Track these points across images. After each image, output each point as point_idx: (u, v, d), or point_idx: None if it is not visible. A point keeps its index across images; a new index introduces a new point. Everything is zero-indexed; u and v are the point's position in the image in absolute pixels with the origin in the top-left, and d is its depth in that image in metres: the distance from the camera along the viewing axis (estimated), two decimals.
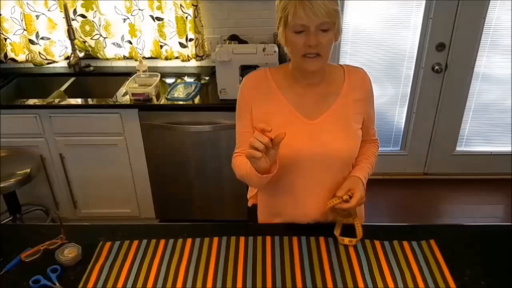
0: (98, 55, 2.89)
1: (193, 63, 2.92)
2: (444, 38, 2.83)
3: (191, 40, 2.77)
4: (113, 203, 2.77)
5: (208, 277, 1.23)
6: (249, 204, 1.58)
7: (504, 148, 3.18)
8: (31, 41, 2.79)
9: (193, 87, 2.63)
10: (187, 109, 2.47)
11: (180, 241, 1.36)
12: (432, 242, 1.34)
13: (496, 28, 2.78)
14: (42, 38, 2.81)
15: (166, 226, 1.47)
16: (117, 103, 2.48)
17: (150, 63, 2.87)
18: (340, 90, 1.35)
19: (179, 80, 2.77)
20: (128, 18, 2.75)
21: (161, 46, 2.82)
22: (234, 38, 2.76)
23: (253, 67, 2.35)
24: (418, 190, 3.20)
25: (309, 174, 1.35)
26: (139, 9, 2.71)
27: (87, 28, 2.81)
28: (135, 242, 1.36)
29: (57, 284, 1.20)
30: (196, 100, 2.52)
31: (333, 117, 1.33)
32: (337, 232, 1.35)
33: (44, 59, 2.87)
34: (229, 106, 2.18)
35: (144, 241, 1.36)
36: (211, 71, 2.79)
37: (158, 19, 2.72)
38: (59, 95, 2.64)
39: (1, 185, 2.30)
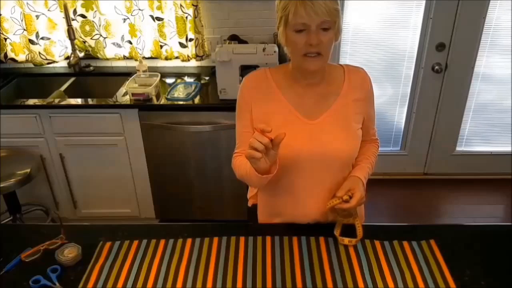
0: (98, 55, 2.89)
1: (193, 63, 2.92)
2: (444, 38, 2.83)
3: (191, 40, 2.77)
4: (113, 203, 2.77)
5: (208, 277, 1.23)
6: (249, 204, 1.58)
7: (504, 148, 3.18)
8: (31, 41, 2.79)
9: (193, 87, 2.64)
10: (187, 109, 2.47)
11: (180, 241, 1.36)
12: (432, 242, 1.34)
13: (496, 28, 2.78)
14: (42, 38, 2.81)
15: (166, 226, 1.47)
16: (117, 103, 2.48)
17: (150, 63, 2.87)
18: (340, 90, 1.35)
19: (179, 80, 2.77)
20: (128, 18, 2.75)
21: (161, 46, 2.82)
22: (234, 38, 2.76)
23: (253, 67, 2.35)
24: (418, 190, 3.20)
25: (309, 174, 1.35)
26: (139, 9, 2.71)
27: (87, 28, 2.81)
28: (135, 242, 1.36)
29: (57, 284, 1.20)
30: (196, 100, 2.52)
31: (333, 117, 1.33)
32: (337, 232, 1.35)
33: (44, 59, 2.87)
34: (229, 106, 2.18)
35: (144, 241, 1.36)
36: (211, 71, 2.79)
37: (158, 19, 2.72)
38: (59, 95, 2.64)
39: (1, 185, 2.30)
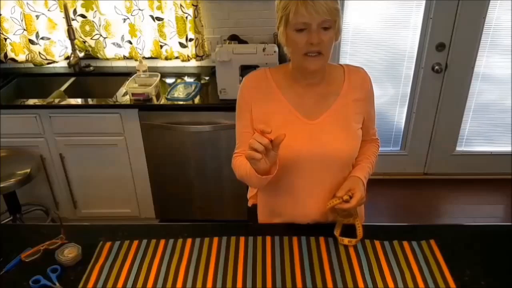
0: (98, 55, 2.89)
1: (193, 63, 2.92)
2: (444, 38, 2.83)
3: (191, 40, 2.77)
4: (113, 203, 2.77)
5: (208, 277, 1.23)
6: (249, 204, 1.58)
7: (504, 148, 3.18)
8: (31, 41, 2.79)
9: (193, 87, 2.64)
10: (187, 109, 2.47)
11: (180, 241, 1.36)
12: (432, 242, 1.34)
13: (496, 28, 2.78)
14: (42, 38, 2.81)
15: (166, 226, 1.47)
16: (117, 103, 2.48)
17: (150, 63, 2.87)
18: (340, 90, 1.35)
19: (179, 80, 2.77)
20: (128, 18, 2.75)
21: (161, 46, 2.82)
22: (234, 38, 2.76)
23: (253, 67, 2.35)
24: (418, 190, 3.20)
25: (309, 175, 1.35)
26: (139, 9, 2.71)
27: (87, 28, 2.82)
28: (135, 242, 1.36)
29: (57, 284, 1.20)
30: (196, 100, 2.52)
31: (333, 117, 1.33)
32: (337, 232, 1.35)
33: (44, 59, 2.87)
34: (229, 106, 2.18)
35: (144, 241, 1.36)
36: (211, 71, 2.79)
37: (158, 19, 2.72)
38: (59, 95, 2.64)
39: (1, 185, 2.30)
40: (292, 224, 1.41)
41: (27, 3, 2.68)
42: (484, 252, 1.30)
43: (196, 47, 2.79)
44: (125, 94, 2.55)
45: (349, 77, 1.36)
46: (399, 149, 3.26)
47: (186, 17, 2.70)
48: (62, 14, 2.75)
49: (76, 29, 2.81)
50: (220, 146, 2.52)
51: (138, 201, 2.76)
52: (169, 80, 2.78)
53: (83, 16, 2.78)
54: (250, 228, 1.45)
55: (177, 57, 2.87)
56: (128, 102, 2.46)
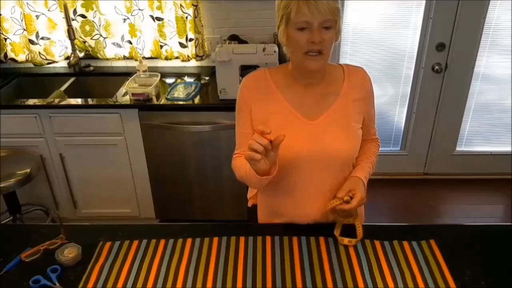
0: (98, 55, 2.89)
1: (193, 63, 2.92)
2: (444, 38, 2.83)
3: (191, 40, 2.77)
4: (113, 203, 2.77)
5: (208, 277, 1.23)
6: (249, 204, 1.58)
7: (504, 148, 3.18)
8: (31, 41, 2.79)
9: (193, 87, 2.64)
10: (187, 109, 2.47)
11: (180, 241, 1.36)
12: (432, 242, 1.34)
13: (496, 28, 2.78)
14: (42, 38, 2.81)
15: (166, 226, 1.47)
16: (117, 103, 2.48)
17: (150, 63, 2.87)
18: (340, 89, 1.35)
19: (179, 80, 2.77)
20: (128, 18, 2.75)
21: (161, 46, 2.82)
22: (234, 38, 2.76)
23: (253, 67, 2.35)
24: (418, 190, 3.20)
25: (309, 175, 1.35)
26: (139, 9, 2.71)
27: (87, 28, 2.81)
28: (135, 242, 1.36)
29: (57, 284, 1.20)
30: (196, 100, 2.52)
31: (333, 117, 1.33)
32: (337, 232, 1.35)
33: (44, 59, 2.87)
34: (229, 106, 2.17)
35: (144, 241, 1.36)
36: (211, 71, 2.79)
37: (158, 19, 2.72)
38: (59, 95, 2.64)
39: (1, 185, 2.30)
40: (292, 224, 1.41)
41: (27, 3, 2.68)
42: (484, 252, 1.30)
43: (196, 47, 2.79)
44: (125, 94, 2.55)
45: (349, 77, 1.36)
46: (399, 149, 3.26)
47: (186, 17, 2.70)
48: (62, 14, 2.75)
49: (76, 29, 2.81)
50: (220, 146, 2.52)
51: (138, 201, 2.76)
52: (169, 80, 2.78)
53: (83, 16, 2.78)
54: (250, 228, 1.45)
55: (177, 57, 2.87)
56: (128, 102, 2.46)
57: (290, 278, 1.22)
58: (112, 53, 2.89)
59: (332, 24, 1.19)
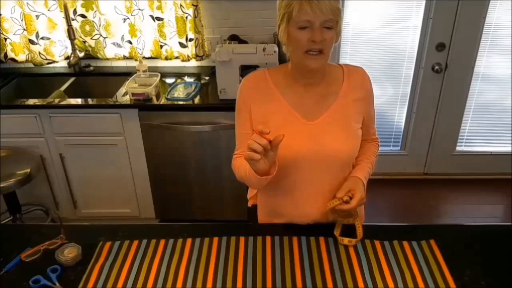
0: (98, 55, 2.89)
1: (193, 63, 2.92)
2: (444, 38, 2.83)
3: (191, 40, 2.77)
4: (113, 203, 2.77)
5: (208, 277, 1.23)
6: (249, 204, 1.58)
7: (504, 148, 3.18)
8: (31, 41, 2.79)
9: (193, 87, 2.64)
10: (187, 109, 2.47)
11: (180, 241, 1.36)
12: (432, 242, 1.34)
13: (496, 28, 2.78)
14: (42, 38, 2.81)
15: (166, 226, 1.47)
16: (117, 103, 2.48)
17: (150, 63, 2.87)
18: (340, 89, 1.35)
19: (179, 80, 2.77)
20: (128, 18, 2.75)
21: (161, 46, 2.82)
22: (234, 38, 2.76)
23: (253, 67, 2.35)
24: (418, 190, 3.20)
25: (309, 175, 1.35)
26: (139, 9, 2.71)
27: (87, 28, 2.81)
28: (135, 242, 1.36)
29: (57, 284, 1.20)
30: (196, 100, 2.52)
31: (333, 117, 1.33)
32: (337, 232, 1.35)
33: (44, 59, 2.87)
34: (229, 106, 2.17)
35: (144, 241, 1.36)
36: (211, 71, 2.79)
37: (158, 19, 2.72)
38: (59, 95, 2.64)
39: (1, 185, 2.30)
40: (292, 224, 1.41)
41: (27, 3, 2.68)
42: (484, 252, 1.30)
43: (196, 47, 2.80)
44: (125, 94, 2.55)
45: (348, 77, 1.36)
46: (399, 149, 3.26)
47: (186, 17, 2.70)
48: (62, 14, 2.75)
49: (76, 29, 2.81)
50: (220, 146, 2.52)
51: (138, 201, 2.76)
52: (169, 80, 2.78)
53: (83, 16, 2.78)
54: (250, 228, 1.45)
55: (177, 57, 2.87)
56: (128, 102, 2.46)
57: (290, 278, 1.22)
58: (112, 53, 2.89)
59: (333, 24, 1.20)
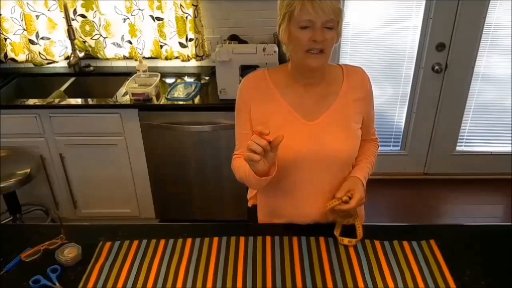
0: (98, 55, 2.89)
1: (193, 63, 2.92)
2: (444, 38, 2.83)
3: (191, 40, 2.77)
4: (113, 203, 2.77)
5: (208, 277, 1.23)
6: (249, 204, 1.58)
7: (504, 148, 3.18)
8: (31, 41, 2.79)
9: (193, 87, 2.64)
10: (187, 109, 2.47)
11: (180, 241, 1.36)
12: (432, 242, 1.34)
13: (496, 28, 2.78)
14: (42, 38, 2.81)
15: (166, 226, 1.47)
16: (117, 103, 2.48)
17: (150, 63, 2.87)
18: (340, 90, 1.35)
19: (179, 80, 2.77)
20: (128, 18, 2.75)
21: (161, 46, 2.82)
22: (234, 38, 2.76)
23: (253, 67, 2.36)
24: (418, 190, 3.20)
25: (309, 175, 1.35)
26: (139, 9, 2.71)
27: (87, 28, 2.81)
28: (135, 242, 1.36)
29: (57, 284, 1.20)
30: (196, 100, 2.52)
31: (333, 117, 1.33)
32: (337, 232, 1.35)
33: (44, 59, 2.87)
34: (229, 106, 2.16)
35: (144, 241, 1.36)
36: (211, 71, 2.79)
37: (158, 19, 2.72)
38: (59, 95, 2.64)
39: (1, 185, 2.30)
40: (292, 224, 1.41)
41: (27, 3, 2.68)
42: (484, 252, 1.31)
43: (196, 47, 2.80)
44: (125, 94, 2.55)
45: (348, 77, 1.36)
46: (399, 149, 3.26)
47: (186, 17, 2.70)
48: (62, 14, 2.75)
49: (76, 29, 2.81)
50: (220, 146, 2.52)
51: (138, 201, 2.76)
52: (169, 80, 2.78)
53: (83, 16, 2.78)
54: (250, 228, 1.45)
55: (177, 57, 2.87)
56: (128, 102, 2.46)
57: (290, 278, 1.22)
58: (112, 53, 2.89)
59: (334, 24, 1.20)
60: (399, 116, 3.14)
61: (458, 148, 3.21)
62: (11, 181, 2.33)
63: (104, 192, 2.73)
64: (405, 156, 3.26)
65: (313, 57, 1.23)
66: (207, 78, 2.79)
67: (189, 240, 1.36)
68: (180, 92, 2.58)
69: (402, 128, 3.17)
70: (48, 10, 2.74)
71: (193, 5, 2.66)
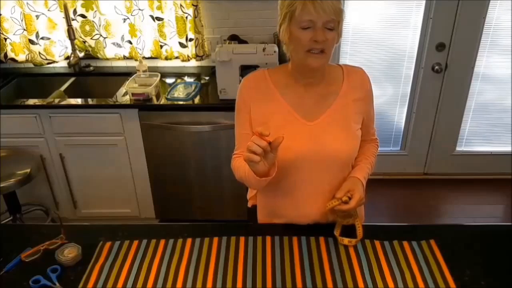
0: (98, 55, 2.89)
1: (193, 63, 2.92)
2: (444, 38, 2.83)
3: (191, 40, 2.77)
4: (113, 203, 2.77)
5: (208, 277, 1.23)
6: (249, 205, 1.58)
7: (504, 148, 3.18)
8: (31, 41, 2.79)
9: (193, 87, 2.64)
10: (187, 109, 2.47)
11: (180, 241, 1.36)
12: (432, 242, 1.34)
13: (496, 28, 2.78)
14: (42, 38, 2.81)
15: (166, 226, 1.47)
16: (117, 103, 2.48)
17: (150, 63, 2.87)
18: (340, 90, 1.35)
19: (179, 80, 2.77)
20: (128, 18, 2.75)
21: (161, 46, 2.82)
22: (234, 38, 2.76)
23: (253, 67, 2.36)
24: (418, 190, 3.20)
25: (308, 175, 1.35)
26: (139, 9, 2.71)
27: (87, 28, 2.81)
28: (135, 242, 1.36)
29: (57, 284, 1.20)
30: (196, 100, 2.52)
31: (333, 117, 1.33)
32: (337, 232, 1.35)
33: (44, 59, 2.87)
34: (229, 106, 2.16)
35: (144, 241, 1.36)
36: (211, 71, 2.79)
37: (158, 19, 2.72)
38: (59, 95, 2.64)
39: (1, 185, 2.30)
40: (292, 224, 1.41)
41: (27, 3, 2.68)
42: (484, 252, 1.31)
43: (196, 47, 2.80)
44: (125, 94, 2.55)
45: (348, 77, 1.36)
46: (399, 149, 3.26)
47: (186, 17, 2.70)
48: (62, 14, 2.75)
49: (76, 29, 2.81)
50: (220, 146, 2.52)
51: (138, 201, 2.76)
52: (169, 80, 2.78)
53: (83, 16, 2.78)
54: (250, 228, 1.45)
55: (177, 57, 2.87)
56: (128, 102, 2.46)
57: (290, 278, 1.22)
58: (112, 53, 2.89)
59: (335, 25, 1.20)
60: (399, 116, 3.14)
61: (458, 148, 3.21)
62: (11, 181, 2.33)
63: (104, 192, 2.73)
64: (405, 156, 3.26)
65: (314, 57, 1.23)
66: (207, 78, 2.79)
67: (189, 240, 1.36)
68: (180, 92, 2.58)
69: (402, 128, 3.17)
70: (48, 10, 2.74)
71: (193, 5, 2.66)
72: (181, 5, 2.66)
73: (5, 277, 1.24)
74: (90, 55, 2.91)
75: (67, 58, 2.91)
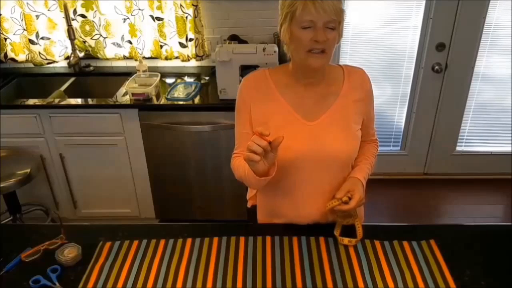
0: (98, 55, 2.89)
1: (193, 63, 2.92)
2: (444, 38, 2.83)
3: (191, 40, 2.77)
4: (113, 203, 2.77)
5: (208, 277, 1.23)
6: (249, 205, 1.58)
7: (504, 148, 3.18)
8: (31, 41, 2.79)
9: (193, 87, 2.64)
10: (187, 109, 2.47)
11: (180, 241, 1.36)
12: (432, 242, 1.34)
13: (496, 28, 2.78)
14: (42, 38, 2.81)
15: (166, 226, 1.47)
16: (117, 103, 2.48)
17: (150, 63, 2.87)
18: (340, 90, 1.35)
19: (179, 80, 2.77)
20: (128, 18, 2.75)
21: (161, 46, 2.82)
22: (234, 38, 2.76)
23: (253, 67, 2.36)
24: (418, 190, 3.20)
25: (308, 175, 1.35)
26: (139, 9, 2.71)
27: (87, 28, 2.81)
28: (135, 242, 1.36)
29: (57, 284, 1.20)
30: (196, 100, 2.52)
31: (333, 118, 1.33)
32: (337, 232, 1.35)
33: (44, 59, 2.87)
34: (229, 106, 2.16)
35: (144, 241, 1.36)
36: (211, 71, 2.79)
37: (158, 19, 2.72)
38: (59, 95, 2.64)
39: (1, 185, 2.30)
40: (292, 224, 1.41)
41: (27, 3, 2.68)
42: (484, 252, 1.31)
43: (196, 47, 2.80)
44: (125, 94, 2.55)
45: (348, 77, 1.36)
46: (399, 149, 3.26)
47: (186, 17, 2.70)
48: (62, 14, 2.75)
49: (76, 29, 2.81)
50: (220, 146, 2.52)
51: (138, 201, 2.76)
52: (169, 80, 2.78)
53: (83, 16, 2.78)
54: (250, 228, 1.45)
55: (177, 57, 2.87)
56: (128, 102, 2.46)
57: (290, 278, 1.22)
58: (112, 53, 2.89)
59: (335, 25, 1.20)
60: (399, 116, 3.14)
61: (458, 148, 3.21)
62: (11, 181, 2.33)
63: (104, 192, 2.73)
64: (405, 156, 3.26)
65: (314, 57, 1.23)
66: (207, 78, 2.78)
67: (189, 240, 1.36)
68: (180, 92, 2.58)
69: (402, 128, 3.18)
70: (48, 10, 2.74)
71: (193, 5, 2.66)
72: (181, 5, 2.66)
73: (5, 277, 1.24)
74: (90, 55, 2.91)
75: (67, 58, 2.90)
